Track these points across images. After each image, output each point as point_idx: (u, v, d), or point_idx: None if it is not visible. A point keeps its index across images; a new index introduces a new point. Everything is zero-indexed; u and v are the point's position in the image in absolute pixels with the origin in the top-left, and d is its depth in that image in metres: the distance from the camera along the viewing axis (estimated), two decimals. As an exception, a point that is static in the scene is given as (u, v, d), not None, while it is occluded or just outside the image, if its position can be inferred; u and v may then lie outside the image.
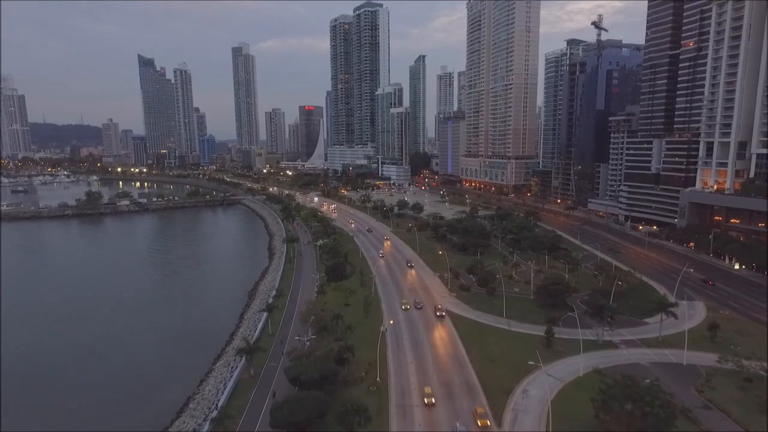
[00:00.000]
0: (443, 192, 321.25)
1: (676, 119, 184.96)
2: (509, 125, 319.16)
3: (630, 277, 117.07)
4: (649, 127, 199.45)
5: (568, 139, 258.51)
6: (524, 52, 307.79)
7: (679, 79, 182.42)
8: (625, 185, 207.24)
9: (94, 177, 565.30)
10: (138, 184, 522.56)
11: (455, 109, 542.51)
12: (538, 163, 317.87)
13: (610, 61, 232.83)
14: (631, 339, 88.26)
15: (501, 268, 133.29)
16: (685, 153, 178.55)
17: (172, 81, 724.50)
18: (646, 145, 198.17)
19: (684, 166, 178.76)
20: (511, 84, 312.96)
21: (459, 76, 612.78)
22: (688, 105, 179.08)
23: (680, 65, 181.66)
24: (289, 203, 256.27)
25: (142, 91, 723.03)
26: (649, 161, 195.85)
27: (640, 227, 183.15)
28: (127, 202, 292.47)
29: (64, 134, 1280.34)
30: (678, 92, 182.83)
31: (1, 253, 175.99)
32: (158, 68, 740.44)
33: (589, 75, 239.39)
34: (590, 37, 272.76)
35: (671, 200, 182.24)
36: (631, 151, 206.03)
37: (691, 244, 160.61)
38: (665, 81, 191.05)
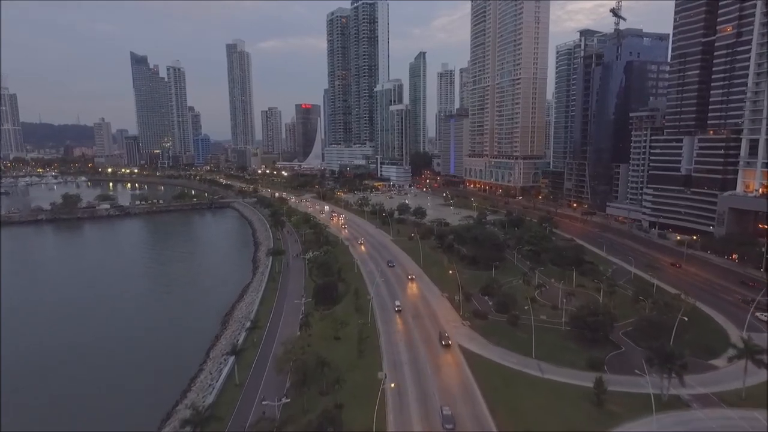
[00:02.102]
0: (446, 194, 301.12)
1: (710, 114, 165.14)
2: (517, 123, 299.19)
3: (678, 301, 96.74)
4: (677, 123, 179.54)
5: (583, 137, 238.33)
6: (533, 45, 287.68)
7: (714, 69, 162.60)
8: (649, 188, 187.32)
9: (83, 178, 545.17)
10: (129, 185, 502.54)
11: (457, 107, 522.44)
12: (548, 163, 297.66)
13: (630, 52, 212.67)
14: (704, 393, 68.14)
15: (521, 287, 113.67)
16: (722, 152, 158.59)
17: (166, 79, 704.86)
18: (674, 144, 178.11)
19: (721, 167, 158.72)
20: (518, 79, 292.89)
21: (461, 73, 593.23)
22: (725, 98, 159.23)
23: (715, 53, 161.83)
24: (279, 207, 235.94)
25: (135, 90, 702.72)
26: (678, 161, 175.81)
27: (678, 237, 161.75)
28: (108, 206, 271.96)
29: (60, 134, 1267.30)
30: (713, 84, 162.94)
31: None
32: (151, 66, 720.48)
33: (606, 67, 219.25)
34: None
35: (705, 205, 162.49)
36: (657, 150, 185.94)
37: (733, 256, 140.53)
38: (697, 72, 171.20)
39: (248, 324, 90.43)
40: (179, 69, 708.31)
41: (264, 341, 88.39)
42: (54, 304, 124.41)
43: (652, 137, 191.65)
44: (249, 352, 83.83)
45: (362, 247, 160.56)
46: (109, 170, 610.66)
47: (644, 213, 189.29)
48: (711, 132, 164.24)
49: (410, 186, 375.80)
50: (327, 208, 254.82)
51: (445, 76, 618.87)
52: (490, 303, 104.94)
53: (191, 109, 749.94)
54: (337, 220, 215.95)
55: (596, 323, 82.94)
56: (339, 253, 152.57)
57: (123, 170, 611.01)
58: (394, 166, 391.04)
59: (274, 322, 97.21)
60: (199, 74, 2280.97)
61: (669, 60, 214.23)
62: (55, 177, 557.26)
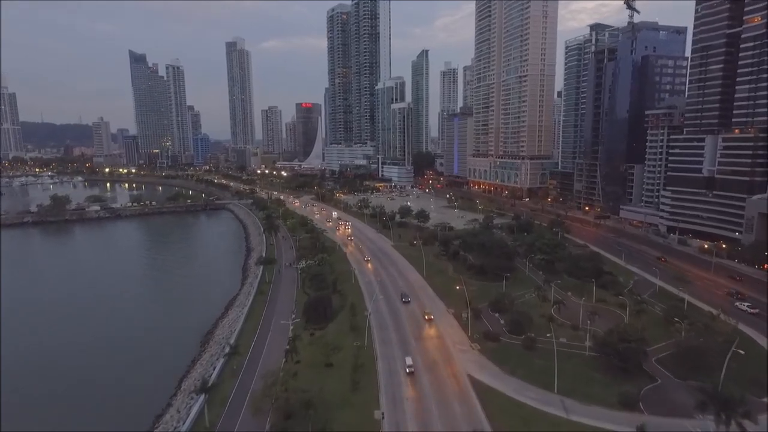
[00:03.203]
0: (450, 196, 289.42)
1: (735, 112, 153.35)
2: (523, 121, 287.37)
3: (717, 323, 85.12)
4: (698, 121, 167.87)
5: (594, 136, 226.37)
6: (540, 40, 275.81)
7: (739, 63, 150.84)
8: (667, 190, 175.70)
9: (79, 178, 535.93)
10: (126, 185, 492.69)
11: (460, 106, 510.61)
12: (556, 163, 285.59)
13: (646, 46, 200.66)
14: (767, 443, 56.81)
15: (535, 302, 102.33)
16: (749, 152, 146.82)
17: (165, 78, 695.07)
18: (695, 144, 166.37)
19: (748, 168, 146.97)
20: (525, 75, 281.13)
21: (464, 71, 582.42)
22: (752, 94, 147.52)
23: (741, 46, 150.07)
24: (275, 209, 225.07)
25: (134, 89, 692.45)
26: (700, 162, 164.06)
27: (706, 245, 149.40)
28: (98, 208, 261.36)
29: (61, 134, 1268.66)
30: (738, 79, 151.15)
31: None
32: (150, 64, 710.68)
33: (620, 62, 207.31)
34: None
35: (730, 209, 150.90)
36: (676, 151, 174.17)
37: (765, 266, 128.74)
38: (721, 66, 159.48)
39: (227, 349, 79.08)
40: (178, 67, 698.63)
41: (245, 369, 77.18)
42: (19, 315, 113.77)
43: (671, 136, 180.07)
44: (226, 384, 72.66)
45: (369, 265, 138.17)
46: (107, 170, 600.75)
47: (662, 217, 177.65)
48: (736, 131, 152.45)
49: (412, 187, 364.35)
50: (335, 214, 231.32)
51: (448, 75, 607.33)
52: (502, 322, 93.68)
53: (191, 108, 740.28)
54: (344, 231, 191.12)
55: (628, 350, 71.52)
56: (336, 260, 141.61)
57: (120, 170, 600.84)
58: (396, 167, 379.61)
59: (258, 345, 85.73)
60: (200, 74, 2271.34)
61: (686, 54, 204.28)
62: (51, 177, 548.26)
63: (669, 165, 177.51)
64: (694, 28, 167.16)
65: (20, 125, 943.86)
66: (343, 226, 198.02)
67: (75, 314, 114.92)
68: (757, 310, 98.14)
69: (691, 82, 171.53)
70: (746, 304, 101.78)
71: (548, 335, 78.69)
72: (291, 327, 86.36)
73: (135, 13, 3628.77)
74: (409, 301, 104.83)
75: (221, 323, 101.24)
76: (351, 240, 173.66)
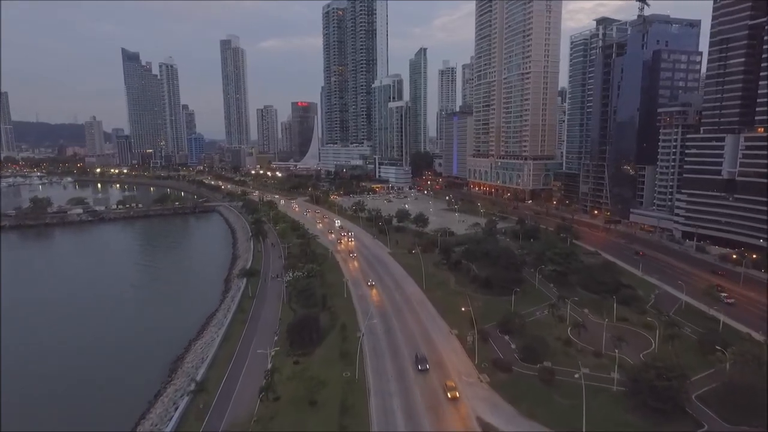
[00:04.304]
0: (450, 198, 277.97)
1: (758, 109, 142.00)
2: (526, 120, 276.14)
3: (761, 350, 73.76)
4: (717, 119, 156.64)
5: (602, 135, 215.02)
6: (544, 35, 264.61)
7: (763, 56, 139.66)
8: (683, 193, 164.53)
9: (69, 179, 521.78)
10: (117, 186, 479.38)
11: (459, 105, 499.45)
12: (560, 164, 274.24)
13: (658, 40, 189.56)
14: None
15: (549, 321, 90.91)
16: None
17: (158, 76, 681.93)
18: (714, 143, 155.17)
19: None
20: (528, 72, 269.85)
21: (463, 69, 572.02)
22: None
23: (766, 38, 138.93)
24: (266, 213, 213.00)
25: (127, 87, 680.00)
26: (719, 163, 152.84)
27: (734, 255, 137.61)
28: (80, 211, 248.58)
29: (56, 133, 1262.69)
30: (761, 74, 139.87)
31: None
32: (144, 63, 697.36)
33: (630, 57, 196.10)
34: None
35: (753, 214, 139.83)
36: (692, 151, 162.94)
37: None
38: (742, 60, 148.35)
39: (192, 385, 67.13)
40: (172, 66, 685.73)
41: (213, 409, 65.24)
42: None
43: (686, 136, 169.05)
44: (189, 429, 60.74)
45: (373, 291, 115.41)
46: (98, 170, 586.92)
47: (677, 222, 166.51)
48: (760, 129, 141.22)
49: (410, 188, 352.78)
50: (338, 223, 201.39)
51: (447, 74, 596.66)
52: (513, 346, 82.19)
53: (185, 107, 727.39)
54: (347, 243, 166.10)
55: (669, 390, 60.00)
56: (327, 269, 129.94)
57: (112, 171, 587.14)
58: (394, 167, 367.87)
59: (231, 378, 73.55)
60: (200, 74, 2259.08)
61: (700, 49, 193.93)
62: (40, 178, 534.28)
63: (685, 166, 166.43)
64: (713, 20, 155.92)
65: (12, 125, 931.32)
66: (345, 238, 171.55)
67: (25, 329, 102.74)
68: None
69: (708, 77, 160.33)
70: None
71: (575, 375, 66.43)
72: (271, 356, 74.33)
73: (135, 14, 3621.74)
74: (427, 369, 74.29)
75: (194, 346, 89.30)
76: (354, 258, 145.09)
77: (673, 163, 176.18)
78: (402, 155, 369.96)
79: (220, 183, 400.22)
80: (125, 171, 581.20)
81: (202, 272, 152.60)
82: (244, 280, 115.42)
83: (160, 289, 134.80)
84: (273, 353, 74.39)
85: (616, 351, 72.38)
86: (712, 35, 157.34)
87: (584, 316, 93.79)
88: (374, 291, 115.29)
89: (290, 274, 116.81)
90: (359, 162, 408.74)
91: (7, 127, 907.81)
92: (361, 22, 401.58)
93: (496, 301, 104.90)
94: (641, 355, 77.16)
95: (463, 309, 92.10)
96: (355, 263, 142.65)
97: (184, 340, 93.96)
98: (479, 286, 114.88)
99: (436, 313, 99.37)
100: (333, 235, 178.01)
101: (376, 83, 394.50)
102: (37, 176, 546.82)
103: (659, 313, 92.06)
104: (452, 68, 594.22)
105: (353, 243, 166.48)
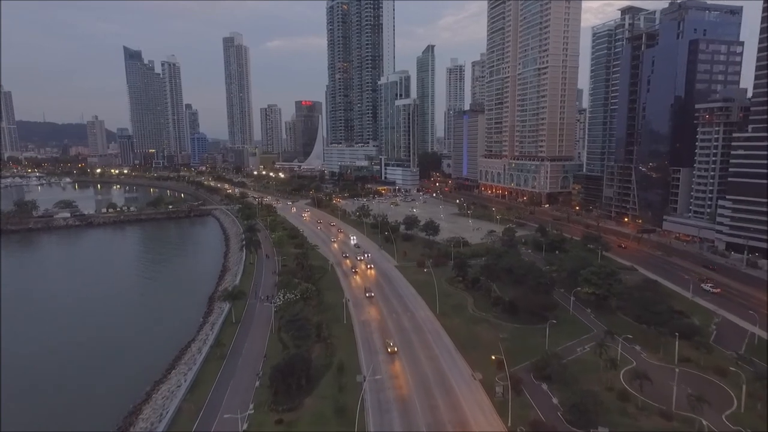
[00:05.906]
0: (461, 201, 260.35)
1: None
2: (542, 118, 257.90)
3: None
4: (766, 116, 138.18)
5: (629, 135, 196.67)
6: (563, 27, 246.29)
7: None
8: (726, 199, 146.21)
9: (68, 179, 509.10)
10: (118, 186, 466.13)
11: (468, 104, 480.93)
12: (580, 165, 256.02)
13: (695, 29, 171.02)
14: None
15: (595, 363, 73.43)
16: None
17: (161, 75, 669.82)
18: (765, 143, 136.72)
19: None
20: (545, 67, 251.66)
21: (473, 67, 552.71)
22: None
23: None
24: (263, 218, 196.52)
25: (129, 86, 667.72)
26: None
27: None
28: (67, 215, 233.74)
29: (63, 133, 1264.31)
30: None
31: None
32: (146, 61, 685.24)
33: (663, 48, 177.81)
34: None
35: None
36: (739, 152, 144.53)
37: None
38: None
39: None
40: (174, 64, 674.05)
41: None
42: None
43: (730, 135, 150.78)
44: None
45: (376, 311, 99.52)
46: (98, 171, 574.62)
47: (720, 231, 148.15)
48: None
49: (418, 191, 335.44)
50: (354, 239, 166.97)
51: (455, 72, 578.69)
52: (555, 401, 64.88)
53: (188, 106, 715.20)
54: (365, 270, 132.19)
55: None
56: (325, 287, 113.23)
57: (112, 171, 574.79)
58: (400, 168, 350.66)
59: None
60: (201, 74, 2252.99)
61: (741, 39, 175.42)
62: (39, 178, 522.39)
63: (729, 169, 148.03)
64: (765, 2, 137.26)
65: (16, 124, 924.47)
66: (364, 263, 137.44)
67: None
68: None
69: (758, 69, 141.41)
70: None
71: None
72: (245, 420, 57.28)
73: (140, 13, 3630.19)
74: None
75: (157, 391, 72.41)
76: (371, 297, 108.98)
77: (713, 165, 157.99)
78: (409, 155, 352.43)
79: (219, 184, 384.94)
80: (125, 171, 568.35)
81: (187, 287, 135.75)
82: (227, 304, 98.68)
83: (133, 310, 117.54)
84: (247, 416, 57.37)
85: (699, 420, 54.77)
86: (763, 20, 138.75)
87: (637, 356, 76.26)
88: (378, 313, 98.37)
89: (281, 296, 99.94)
90: (364, 163, 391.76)
91: (10, 126, 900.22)
92: (366, 17, 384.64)
93: (526, 332, 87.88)
94: (723, 417, 59.74)
95: (493, 357, 74.00)
96: (357, 278, 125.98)
97: (148, 381, 77.26)
98: (503, 310, 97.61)
99: (454, 348, 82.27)
100: (348, 262, 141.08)
101: (383, 80, 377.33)
102: (36, 177, 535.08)
103: (738, 356, 74.03)
104: (460, 66, 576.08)
105: (373, 271, 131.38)
